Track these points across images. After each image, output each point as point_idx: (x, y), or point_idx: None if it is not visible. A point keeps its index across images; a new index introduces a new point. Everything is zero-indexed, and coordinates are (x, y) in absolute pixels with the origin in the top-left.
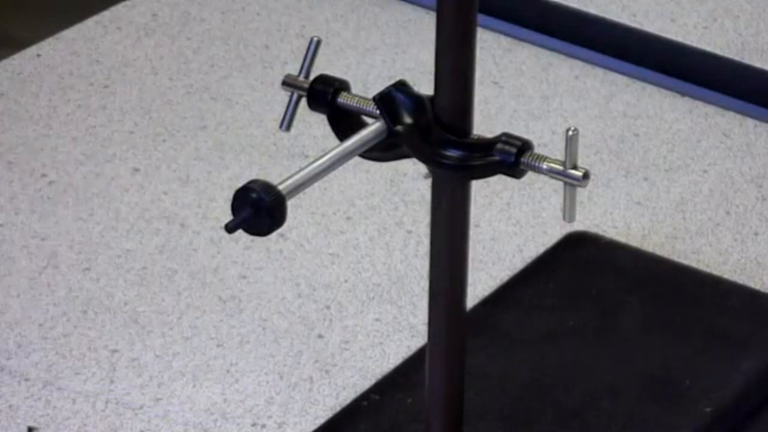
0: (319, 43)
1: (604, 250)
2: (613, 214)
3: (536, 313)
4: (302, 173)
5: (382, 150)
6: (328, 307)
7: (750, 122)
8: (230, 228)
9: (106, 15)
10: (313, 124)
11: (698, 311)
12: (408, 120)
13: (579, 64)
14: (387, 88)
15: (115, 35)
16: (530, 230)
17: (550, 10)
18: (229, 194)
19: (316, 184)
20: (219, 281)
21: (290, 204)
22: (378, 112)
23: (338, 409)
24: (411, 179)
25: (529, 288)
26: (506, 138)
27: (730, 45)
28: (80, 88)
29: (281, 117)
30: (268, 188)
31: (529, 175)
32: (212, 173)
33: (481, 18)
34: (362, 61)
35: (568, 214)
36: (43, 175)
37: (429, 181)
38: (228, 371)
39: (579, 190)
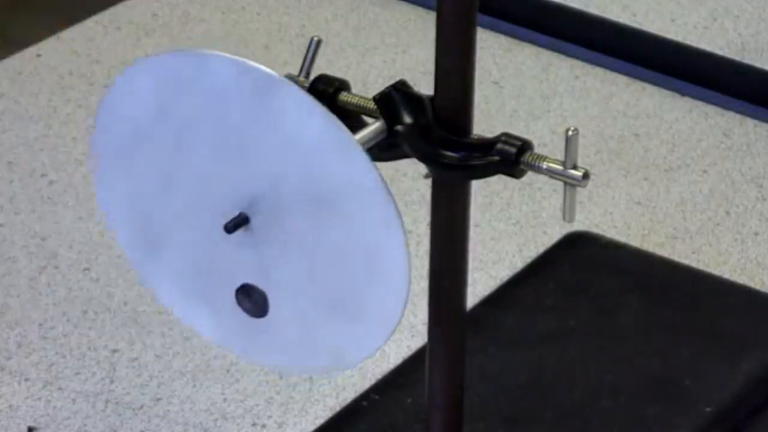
0: (319, 43)
1: (604, 250)
2: (613, 214)
3: (536, 313)
4: None
5: (382, 150)
6: None
7: (750, 122)
8: (229, 228)
9: (106, 15)
10: None
11: (698, 311)
12: (408, 120)
13: (579, 64)
14: (387, 88)
15: (115, 35)
16: (530, 230)
17: (550, 10)
18: None
19: None
20: None
21: None
22: (378, 111)
23: (338, 409)
24: (411, 179)
25: (529, 288)
26: (506, 138)
27: (730, 45)
28: (80, 88)
29: None
30: None
31: (529, 175)
32: None
33: (481, 18)
34: (362, 61)
35: (568, 214)
36: (43, 175)
37: (429, 181)
38: (228, 371)
39: (579, 190)
